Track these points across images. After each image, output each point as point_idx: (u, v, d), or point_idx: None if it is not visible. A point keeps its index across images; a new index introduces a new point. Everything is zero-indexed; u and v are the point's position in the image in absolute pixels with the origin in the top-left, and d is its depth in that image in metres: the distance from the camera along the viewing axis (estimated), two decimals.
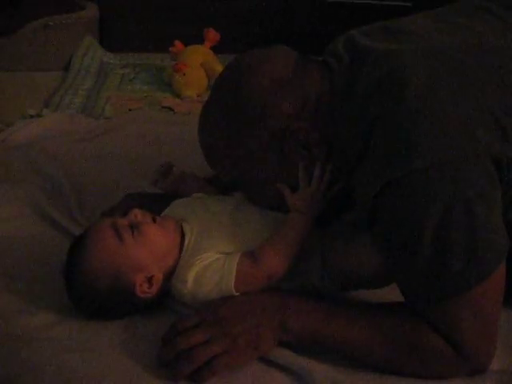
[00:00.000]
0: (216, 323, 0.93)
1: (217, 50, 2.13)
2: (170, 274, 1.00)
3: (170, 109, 1.92)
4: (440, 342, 0.90)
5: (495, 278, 0.87)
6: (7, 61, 2.15)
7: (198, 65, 2.04)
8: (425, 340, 0.90)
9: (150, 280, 0.99)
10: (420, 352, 0.91)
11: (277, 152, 0.97)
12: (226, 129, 0.98)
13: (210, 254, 0.99)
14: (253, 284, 0.98)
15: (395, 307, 0.96)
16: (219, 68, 2.07)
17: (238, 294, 0.97)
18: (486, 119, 0.87)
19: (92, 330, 0.99)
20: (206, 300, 0.97)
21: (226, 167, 1.01)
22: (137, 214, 1.02)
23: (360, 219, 0.97)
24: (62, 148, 1.52)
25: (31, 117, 1.79)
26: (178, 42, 2.12)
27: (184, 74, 1.99)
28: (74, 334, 0.98)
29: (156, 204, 1.14)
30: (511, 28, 0.98)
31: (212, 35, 2.13)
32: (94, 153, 1.51)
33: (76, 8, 2.31)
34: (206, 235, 1.02)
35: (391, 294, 1.01)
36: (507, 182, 0.88)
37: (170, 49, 2.13)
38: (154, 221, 1.02)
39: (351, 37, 1.01)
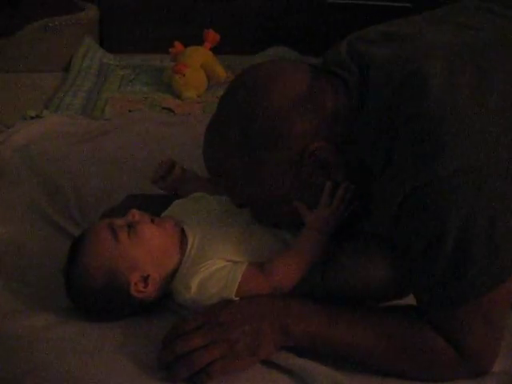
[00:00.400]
0: (216, 327, 0.92)
1: (217, 50, 2.13)
2: (169, 276, 1.00)
3: (170, 110, 1.92)
4: (443, 344, 0.90)
5: (508, 285, 0.87)
6: (7, 62, 2.15)
7: (198, 66, 2.04)
8: (428, 342, 0.90)
9: (145, 279, 0.98)
10: (423, 354, 0.91)
11: (294, 172, 0.94)
12: (241, 150, 0.93)
13: (216, 261, 0.98)
14: (255, 294, 0.97)
15: (398, 310, 0.95)
16: (219, 69, 2.08)
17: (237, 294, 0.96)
18: (505, 122, 0.86)
19: (93, 331, 0.99)
20: (206, 305, 0.97)
21: (237, 188, 0.98)
22: (134, 214, 1.01)
23: (374, 230, 0.96)
24: (62, 149, 1.52)
25: (31, 118, 1.79)
26: (177, 43, 2.12)
27: (184, 75, 1.99)
28: (75, 335, 0.98)
29: (157, 205, 1.14)
30: None
31: (212, 36, 2.13)
32: (94, 154, 1.51)
33: (76, 9, 2.31)
34: (211, 241, 1.01)
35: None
36: None
37: (170, 50, 2.13)
38: (152, 221, 1.02)
39: (352, 44, 0.99)
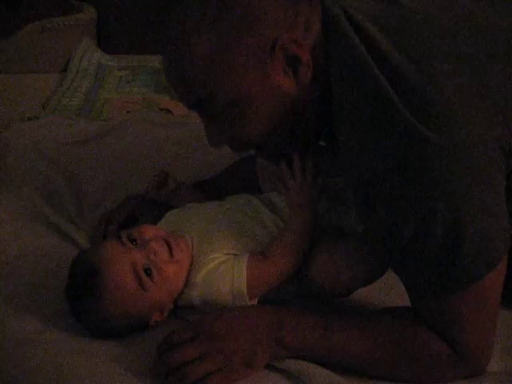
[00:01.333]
0: (210, 339, 0.90)
1: None
2: (177, 297, 1.00)
3: (168, 111, 1.92)
4: (440, 344, 0.89)
5: (500, 270, 0.86)
6: (5, 63, 2.15)
7: None
8: (425, 344, 0.90)
9: (161, 310, 0.98)
10: (420, 357, 0.90)
11: (261, 67, 0.89)
12: (209, 34, 0.88)
13: (217, 255, 0.99)
14: (265, 283, 0.98)
15: (394, 313, 0.94)
16: None
17: (248, 296, 0.97)
18: (488, 104, 0.84)
19: (88, 333, 0.98)
20: (217, 303, 0.97)
21: (203, 82, 0.91)
22: (156, 251, 0.97)
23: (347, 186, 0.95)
24: (60, 150, 1.52)
25: (29, 119, 1.78)
26: None
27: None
28: (70, 337, 0.97)
29: (156, 206, 1.13)
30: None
31: None
32: (93, 155, 1.51)
33: (74, 10, 2.31)
34: (208, 238, 1.01)
35: (386, 299, 1.02)
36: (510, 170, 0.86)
37: None
38: (171, 250, 0.98)
39: None
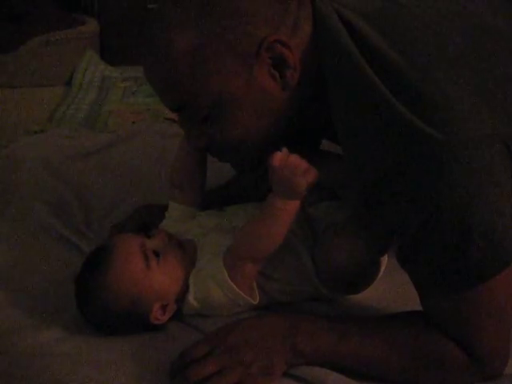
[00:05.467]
0: (227, 351, 0.89)
1: None
2: (180, 300, 1.00)
3: (173, 120, 1.92)
4: (454, 349, 0.88)
5: (510, 272, 0.85)
6: (10, 77, 2.16)
7: None
8: (439, 348, 0.89)
9: (164, 308, 0.98)
10: (435, 361, 0.89)
11: (247, 66, 0.86)
12: (192, 32, 0.85)
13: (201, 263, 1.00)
14: (245, 272, 0.96)
15: (408, 318, 0.94)
16: None
17: (238, 287, 0.96)
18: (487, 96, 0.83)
19: (103, 344, 0.98)
20: (212, 301, 0.97)
21: (185, 82, 0.88)
22: (164, 238, 1.00)
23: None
24: (67, 163, 1.52)
25: (35, 132, 1.79)
26: None
27: None
28: (85, 347, 0.97)
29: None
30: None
31: None
32: (99, 166, 1.51)
33: (76, 23, 2.32)
34: (206, 245, 1.02)
35: (397, 306, 1.02)
36: None
37: None
38: (181, 246, 1.01)
39: None
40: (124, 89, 2.17)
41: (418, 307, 0.93)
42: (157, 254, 0.98)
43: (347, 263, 0.97)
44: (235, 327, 0.93)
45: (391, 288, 1.09)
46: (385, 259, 1.05)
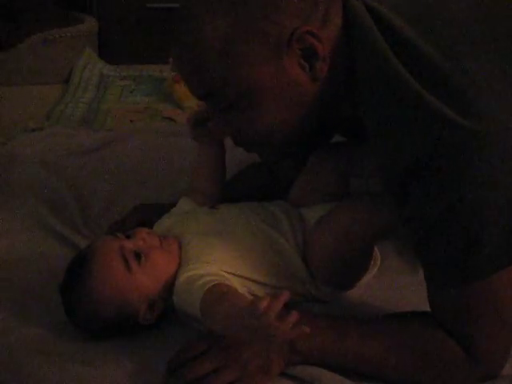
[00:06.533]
0: (224, 350, 0.89)
1: None
2: (167, 296, 0.99)
3: (172, 119, 1.92)
4: (454, 348, 0.88)
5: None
6: (8, 75, 2.16)
7: None
8: (439, 348, 0.89)
9: (151, 307, 0.98)
10: (435, 361, 0.89)
11: (278, 56, 0.86)
12: (224, 20, 0.85)
13: (198, 266, 0.97)
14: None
15: (407, 317, 0.94)
16: None
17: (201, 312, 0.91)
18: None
19: (92, 342, 0.98)
20: (188, 310, 0.95)
21: (215, 70, 0.87)
22: (144, 238, 0.99)
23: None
24: (64, 161, 1.52)
25: (33, 130, 1.79)
26: None
27: (184, 85, 1.98)
28: (81, 346, 0.97)
29: (163, 215, 1.13)
30: None
31: None
32: (97, 165, 1.51)
33: (74, 21, 2.32)
34: (207, 247, 1.00)
35: (396, 307, 1.01)
36: None
37: (170, 59, 2.13)
38: (161, 243, 1.00)
39: None
40: (122, 87, 2.17)
41: (417, 309, 0.94)
42: (138, 254, 0.97)
43: (334, 247, 0.97)
44: None
45: (390, 289, 1.09)
46: (377, 253, 1.06)
